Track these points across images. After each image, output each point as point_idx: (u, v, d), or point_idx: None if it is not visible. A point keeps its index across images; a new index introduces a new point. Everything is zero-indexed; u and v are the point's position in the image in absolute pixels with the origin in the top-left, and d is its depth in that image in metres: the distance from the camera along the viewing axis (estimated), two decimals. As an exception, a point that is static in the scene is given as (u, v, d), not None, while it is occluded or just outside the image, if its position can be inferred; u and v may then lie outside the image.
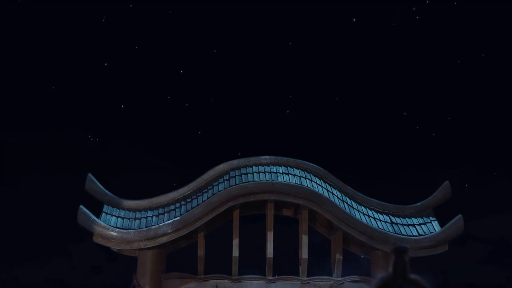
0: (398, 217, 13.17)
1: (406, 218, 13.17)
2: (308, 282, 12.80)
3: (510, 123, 19.15)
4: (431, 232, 12.88)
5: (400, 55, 19.36)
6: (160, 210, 12.80)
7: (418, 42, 19.59)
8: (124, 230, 12.34)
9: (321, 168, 13.30)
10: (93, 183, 12.98)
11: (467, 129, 19.24)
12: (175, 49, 19.48)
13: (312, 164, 13.28)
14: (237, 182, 12.70)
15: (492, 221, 18.23)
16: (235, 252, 12.66)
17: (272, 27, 19.41)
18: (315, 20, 19.51)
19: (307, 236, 12.79)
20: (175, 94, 19.75)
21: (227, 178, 12.89)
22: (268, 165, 13.13)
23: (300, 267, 12.88)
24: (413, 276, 2.83)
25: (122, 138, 18.93)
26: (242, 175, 12.88)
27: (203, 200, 12.62)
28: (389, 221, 12.99)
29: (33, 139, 18.36)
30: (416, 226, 12.96)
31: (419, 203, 13.43)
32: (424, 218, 13.19)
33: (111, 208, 12.80)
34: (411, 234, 12.77)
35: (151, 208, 12.88)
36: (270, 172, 12.90)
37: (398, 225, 12.95)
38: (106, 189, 13.21)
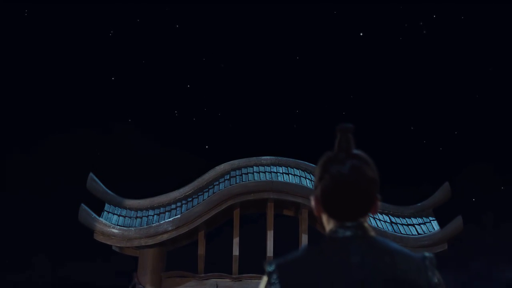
0: (398, 217, 13.23)
1: (406, 218, 13.22)
2: (308, 281, 12.83)
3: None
4: (430, 232, 12.92)
5: (407, 69, 19.48)
6: (161, 209, 12.90)
7: (425, 57, 19.72)
8: (125, 228, 12.46)
9: (321, 168, 13.33)
10: (94, 182, 13.11)
11: (474, 143, 19.27)
12: (182, 64, 19.69)
13: (312, 164, 13.36)
14: (237, 182, 12.82)
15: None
16: (235, 251, 12.76)
17: (279, 42, 19.61)
18: (323, 35, 19.69)
19: (307, 235, 12.87)
20: (182, 108, 19.94)
21: (228, 177, 13.01)
22: (268, 165, 13.25)
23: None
24: (356, 151, 2.93)
25: (129, 152, 19.03)
26: (243, 175, 13.00)
27: (204, 199, 12.73)
28: (389, 221, 13.05)
29: (47, 144, 18.53)
30: (416, 225, 13.00)
31: (419, 204, 13.47)
32: (423, 218, 13.23)
33: (113, 207, 12.91)
34: (410, 233, 12.82)
35: (152, 207, 12.99)
36: (270, 172, 13.02)
37: (398, 224, 13.00)
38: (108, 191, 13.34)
